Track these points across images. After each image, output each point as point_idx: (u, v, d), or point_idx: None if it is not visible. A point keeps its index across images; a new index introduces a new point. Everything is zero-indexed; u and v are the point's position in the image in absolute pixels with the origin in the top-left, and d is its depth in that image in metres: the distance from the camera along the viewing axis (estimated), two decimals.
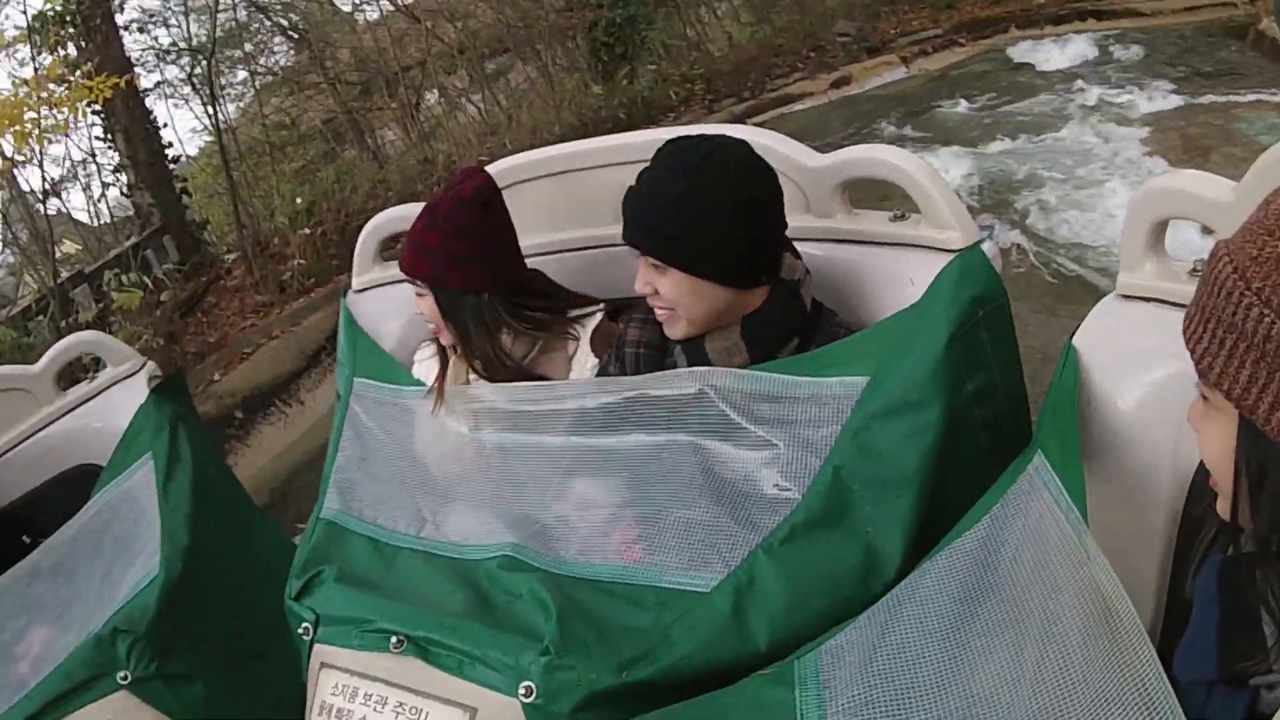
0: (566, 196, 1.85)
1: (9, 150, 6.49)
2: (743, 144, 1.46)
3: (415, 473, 1.67)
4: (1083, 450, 1.16)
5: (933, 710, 0.99)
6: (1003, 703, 0.95)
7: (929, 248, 1.48)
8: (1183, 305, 1.17)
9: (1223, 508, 0.84)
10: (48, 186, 7.45)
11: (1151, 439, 1.18)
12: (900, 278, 1.47)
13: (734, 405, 1.39)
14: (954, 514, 1.25)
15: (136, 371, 2.23)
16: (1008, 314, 1.35)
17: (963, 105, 9.48)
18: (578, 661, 1.23)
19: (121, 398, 2.19)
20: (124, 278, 6.52)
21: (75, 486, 2.17)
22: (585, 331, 1.73)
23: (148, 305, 6.58)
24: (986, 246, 1.39)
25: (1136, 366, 1.22)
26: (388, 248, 2.08)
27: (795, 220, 1.62)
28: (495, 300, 1.65)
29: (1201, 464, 1.15)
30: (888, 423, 1.28)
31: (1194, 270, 1.25)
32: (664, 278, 1.44)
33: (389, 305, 1.98)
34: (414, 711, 1.29)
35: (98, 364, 2.35)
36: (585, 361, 1.70)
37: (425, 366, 1.81)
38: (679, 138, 1.48)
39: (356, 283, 2.07)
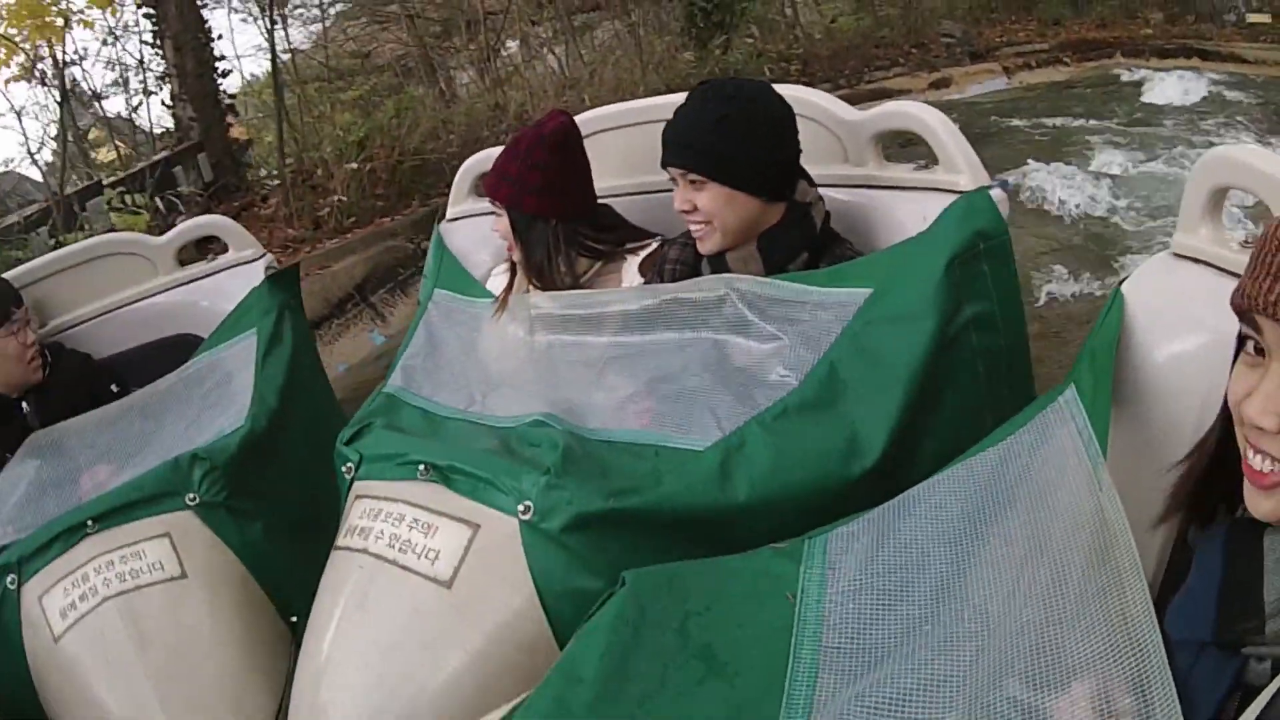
0: (640, 147, 2.04)
1: (31, 44, 6.29)
2: (765, 83, 1.72)
3: (472, 365, 1.89)
4: (1114, 393, 1.24)
5: (927, 606, 1.07)
6: (994, 612, 1.00)
7: (945, 190, 1.65)
8: (1232, 272, 1.29)
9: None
10: (82, 85, 7.23)
11: (1181, 393, 1.26)
12: (918, 216, 1.63)
13: (751, 305, 1.59)
14: (943, 424, 1.47)
15: (255, 260, 2.45)
16: (1009, 252, 1.51)
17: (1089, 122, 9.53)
18: (571, 484, 1.40)
19: (234, 283, 2.39)
20: (128, 198, 5.97)
21: (175, 350, 2.35)
22: (637, 258, 1.94)
23: (154, 230, 5.67)
24: (995, 193, 1.54)
25: (1178, 324, 1.30)
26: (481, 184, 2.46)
27: (836, 169, 1.87)
28: (560, 227, 1.87)
29: (1219, 421, 1.24)
30: (884, 328, 1.47)
31: (1246, 242, 1.34)
32: (702, 193, 1.64)
33: (478, 235, 2.20)
34: (426, 527, 1.45)
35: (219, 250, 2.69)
36: (632, 281, 1.92)
37: (497, 281, 2.06)
38: (711, 80, 1.76)
39: (451, 212, 2.36)
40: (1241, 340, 0.89)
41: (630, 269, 1.92)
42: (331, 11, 11.23)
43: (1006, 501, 1.14)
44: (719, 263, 1.75)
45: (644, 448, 1.51)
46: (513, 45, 11.03)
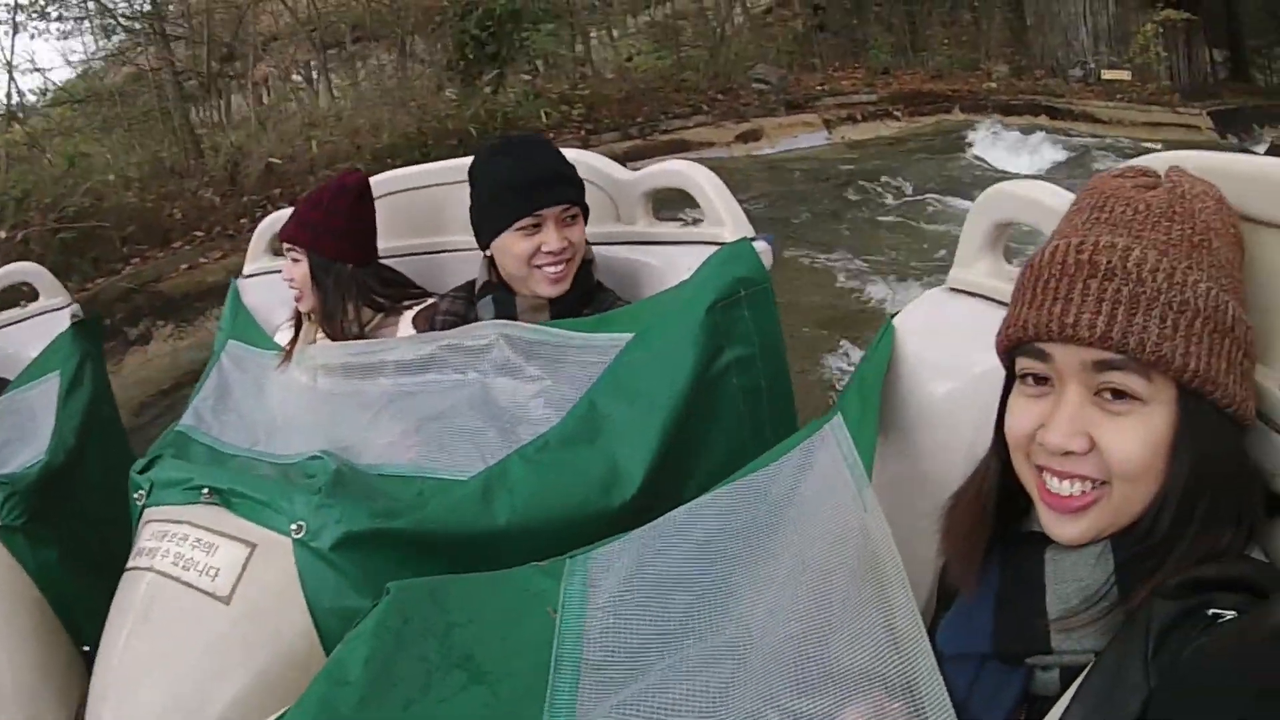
0: (419, 210, 2.52)
1: None
2: None
3: (258, 409, 2.27)
4: (886, 425, 1.45)
5: (688, 621, 1.24)
6: (757, 626, 1.16)
7: (710, 243, 1.99)
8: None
9: (1132, 500, 0.94)
10: None
11: (953, 425, 1.45)
12: (684, 268, 1.93)
13: (518, 349, 1.90)
14: (707, 462, 1.77)
15: (63, 308, 2.83)
16: (770, 299, 1.82)
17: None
18: (340, 505, 1.68)
19: (44, 328, 2.75)
20: None
21: None
22: (411, 313, 2.32)
23: None
24: (758, 244, 1.87)
25: (952, 356, 1.50)
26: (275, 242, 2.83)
27: (608, 227, 2.24)
28: (354, 274, 2.28)
29: (994, 459, 1.39)
30: (644, 368, 1.77)
31: None
32: (574, 227, 2.02)
33: (273, 293, 2.61)
34: (207, 546, 1.74)
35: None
36: (407, 333, 2.29)
37: (284, 335, 2.47)
38: (501, 139, 2.18)
39: (248, 269, 2.82)
40: (1011, 376, 1.05)
41: (405, 322, 2.30)
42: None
43: (770, 521, 1.33)
44: (507, 309, 2.05)
45: (411, 479, 1.80)
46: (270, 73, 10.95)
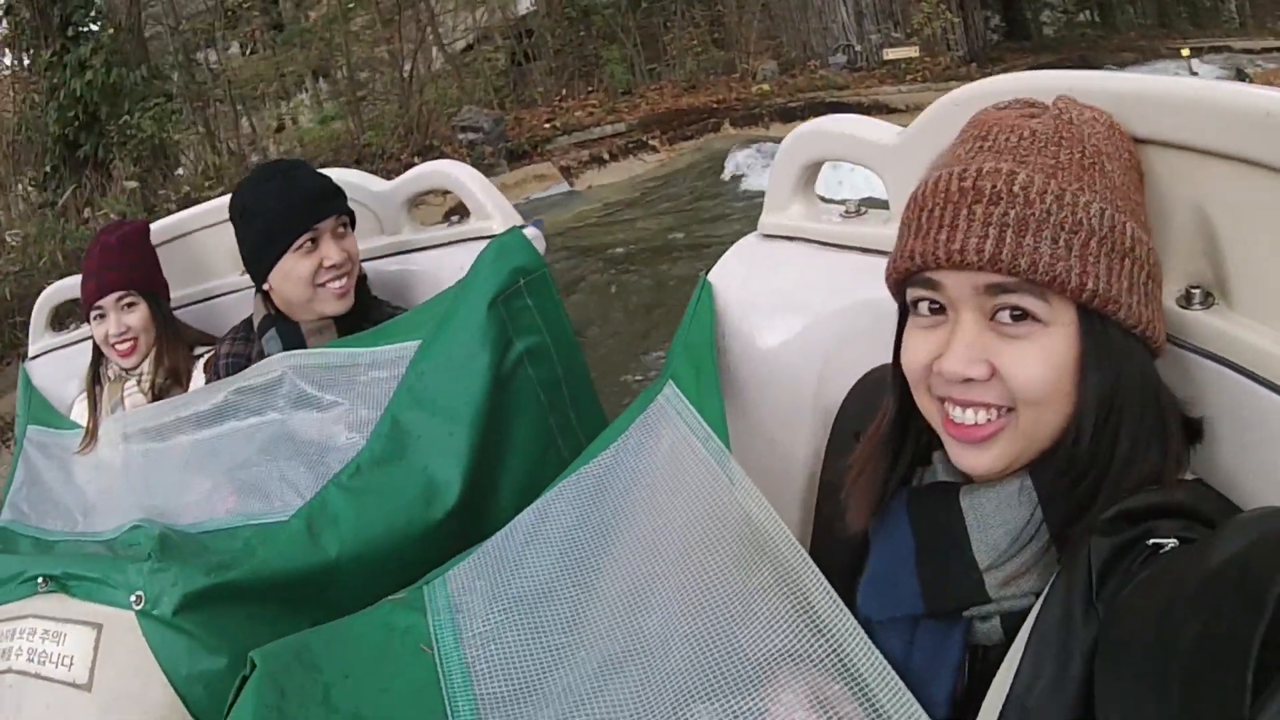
0: (181, 258, 2.92)
1: None
2: None
3: (71, 491, 2.64)
4: (724, 387, 1.61)
5: (570, 633, 1.45)
6: (651, 629, 1.36)
7: (480, 239, 2.36)
8: (834, 244, 1.76)
9: (1037, 424, 1.15)
10: None
11: (794, 374, 1.71)
12: (456, 268, 2.28)
13: (309, 380, 2.27)
14: (517, 458, 2.10)
15: None
16: (550, 284, 2.14)
17: None
18: (173, 567, 1.95)
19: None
20: None
21: None
22: (202, 360, 2.77)
23: None
24: (528, 231, 2.19)
25: (778, 303, 1.75)
26: (57, 317, 3.17)
27: (372, 241, 2.60)
28: (169, 308, 2.68)
29: (854, 396, 1.63)
30: (437, 376, 2.09)
31: (849, 212, 1.78)
32: (348, 238, 2.44)
33: (62, 369, 3.08)
34: (56, 635, 2.05)
35: None
36: (199, 383, 2.67)
37: (78, 408, 2.90)
38: (272, 161, 2.64)
39: (34, 349, 3.27)
40: (904, 309, 1.20)
41: (198, 371, 2.72)
42: None
43: (626, 510, 1.55)
44: (292, 338, 2.46)
45: (235, 530, 2.13)
46: None
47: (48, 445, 2.88)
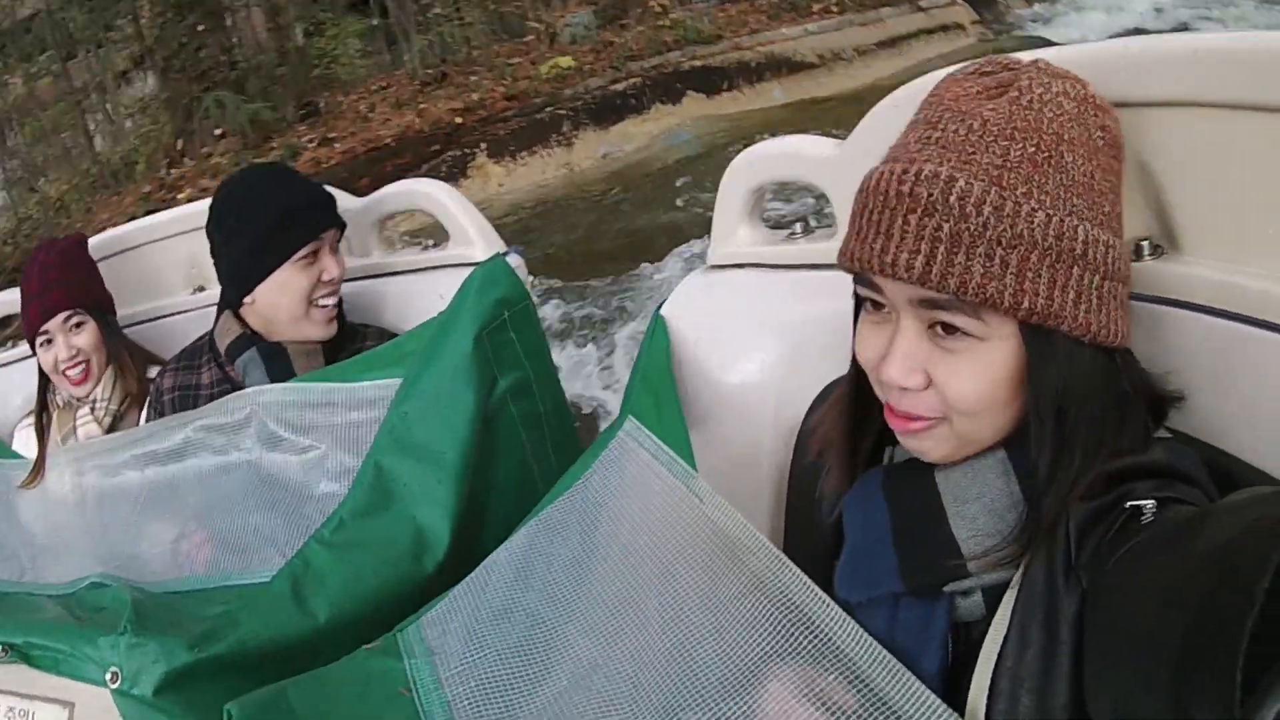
0: (128, 273, 2.77)
1: None
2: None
3: (14, 530, 2.45)
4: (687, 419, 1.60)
5: (554, 663, 1.44)
6: (631, 647, 1.36)
7: (460, 265, 2.29)
8: (785, 266, 1.77)
9: (977, 433, 1.16)
10: None
11: (753, 397, 1.74)
12: (434, 296, 2.21)
13: (280, 420, 2.11)
14: (500, 498, 2.02)
15: None
16: (534, 315, 2.06)
17: None
18: (153, 641, 1.75)
19: None
20: None
21: None
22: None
23: None
24: (511, 259, 2.10)
25: (731, 329, 1.78)
26: None
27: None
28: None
29: (815, 409, 1.65)
30: (422, 416, 1.98)
31: (795, 234, 1.80)
32: (340, 256, 2.30)
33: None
34: (23, 714, 1.92)
35: None
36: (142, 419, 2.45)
37: (25, 435, 2.73)
38: (263, 162, 2.51)
39: None
40: (859, 299, 1.19)
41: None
42: None
43: (596, 542, 1.56)
44: (280, 365, 2.35)
45: (211, 592, 1.98)
46: None
47: None
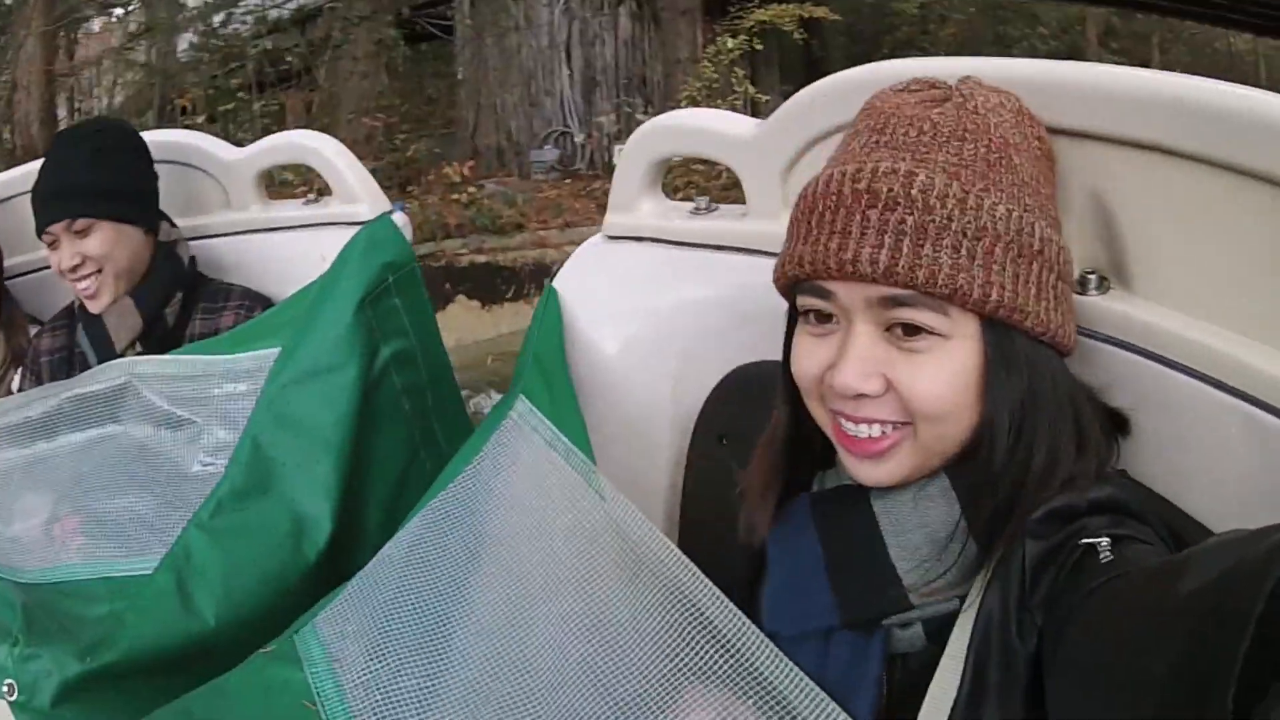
0: (15, 222, 2.57)
1: None
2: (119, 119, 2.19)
3: None
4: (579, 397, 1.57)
5: (466, 670, 1.39)
6: (544, 662, 1.32)
7: (342, 224, 2.22)
8: (686, 243, 1.74)
9: (942, 439, 1.12)
10: None
11: (648, 379, 1.72)
12: (315, 256, 2.13)
13: (156, 391, 2.01)
14: (382, 475, 1.92)
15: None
16: (419, 280, 1.97)
17: None
18: (45, 652, 1.72)
19: None
20: None
21: None
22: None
23: None
24: (396, 217, 2.02)
25: (627, 306, 1.75)
26: None
27: (216, 217, 2.44)
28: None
29: (717, 398, 1.65)
30: (301, 390, 1.89)
31: (699, 209, 1.78)
32: (90, 238, 2.23)
33: None
34: None
35: None
36: (14, 383, 2.39)
37: None
38: (65, 129, 2.33)
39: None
40: (795, 313, 1.17)
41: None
42: None
43: (494, 539, 1.50)
44: (96, 327, 2.28)
45: (92, 584, 1.89)
46: None
47: None
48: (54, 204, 2.28)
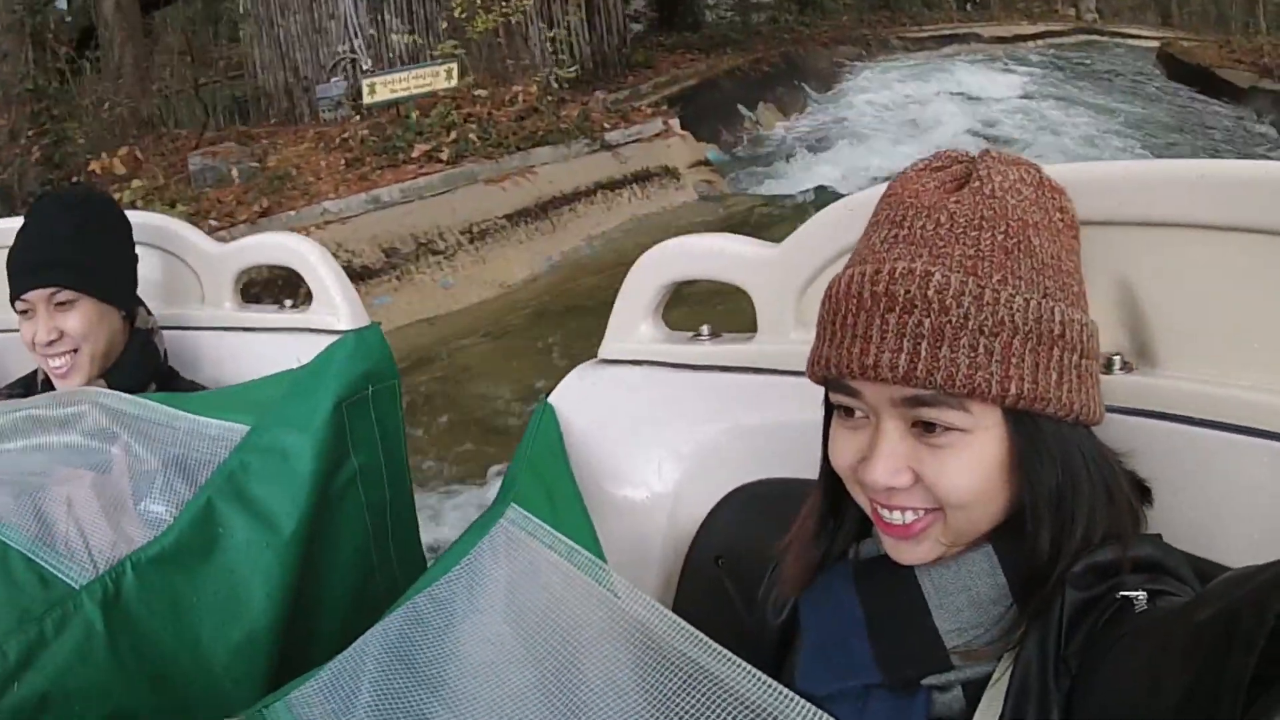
0: None
1: None
2: (104, 192, 2.15)
3: None
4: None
5: None
6: None
7: (321, 331, 2.17)
8: (687, 365, 1.75)
9: (975, 522, 1.14)
10: None
11: (645, 501, 1.73)
12: (290, 359, 2.06)
13: (120, 423, 1.91)
14: (335, 586, 1.92)
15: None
16: (397, 397, 1.94)
17: None
18: None
19: None
20: None
21: None
22: None
23: None
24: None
25: (623, 430, 1.75)
26: None
27: (191, 310, 2.37)
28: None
29: (717, 516, 1.64)
30: (264, 470, 1.85)
31: (699, 335, 1.77)
32: (70, 314, 2.14)
33: None
34: None
35: None
36: None
37: None
38: (47, 194, 2.25)
39: None
40: (830, 406, 1.19)
41: None
42: None
43: (483, 636, 1.47)
44: None
45: (10, 553, 1.78)
46: None
47: None
48: (37, 271, 2.20)
